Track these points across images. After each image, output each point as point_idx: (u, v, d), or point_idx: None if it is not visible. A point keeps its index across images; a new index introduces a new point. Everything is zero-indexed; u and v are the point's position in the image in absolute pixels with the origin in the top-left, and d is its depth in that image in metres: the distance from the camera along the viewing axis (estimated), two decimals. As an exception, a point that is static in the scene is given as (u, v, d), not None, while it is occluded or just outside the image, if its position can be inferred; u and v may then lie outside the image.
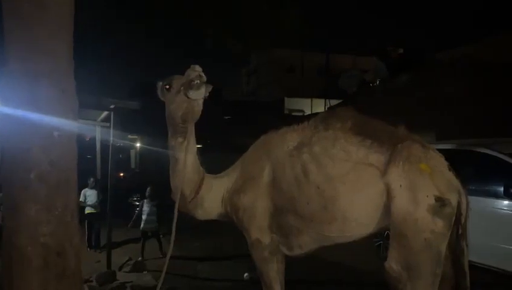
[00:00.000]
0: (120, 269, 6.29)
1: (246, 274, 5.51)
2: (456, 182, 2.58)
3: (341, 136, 2.75)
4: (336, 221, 2.66)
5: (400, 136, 2.71)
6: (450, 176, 2.58)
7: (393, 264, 2.47)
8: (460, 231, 2.58)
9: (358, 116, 2.89)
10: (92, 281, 5.63)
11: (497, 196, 5.23)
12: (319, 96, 21.61)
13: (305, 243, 2.88)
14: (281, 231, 2.92)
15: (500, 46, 11.02)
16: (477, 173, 5.64)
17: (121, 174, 18.45)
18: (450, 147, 5.93)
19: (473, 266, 5.43)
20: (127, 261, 6.57)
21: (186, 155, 2.84)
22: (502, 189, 5.14)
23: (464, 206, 2.58)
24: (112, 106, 6.18)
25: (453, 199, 2.47)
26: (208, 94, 2.79)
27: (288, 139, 2.93)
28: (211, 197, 3.09)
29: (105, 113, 7.06)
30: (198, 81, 2.67)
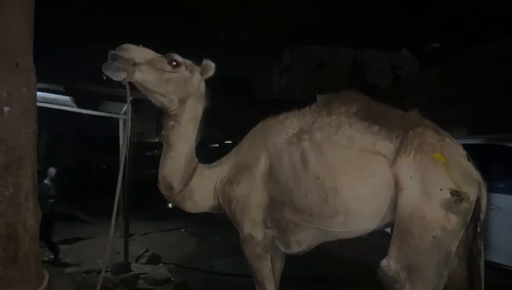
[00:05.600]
0: (137, 260, 6.32)
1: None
2: (476, 174, 2.29)
3: (345, 122, 2.51)
4: (337, 215, 2.43)
5: (411, 122, 2.44)
6: (469, 166, 2.29)
7: (391, 262, 2.24)
8: (478, 229, 2.29)
9: (365, 100, 2.63)
10: (107, 271, 5.70)
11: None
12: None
13: (303, 240, 2.66)
14: (277, 226, 2.71)
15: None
16: (507, 169, 5.26)
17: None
18: (479, 142, 5.57)
19: (501, 268, 5.17)
20: (144, 252, 6.60)
21: (178, 142, 2.64)
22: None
23: (484, 201, 2.29)
24: (130, 98, 6.20)
25: (471, 193, 2.20)
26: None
27: (287, 125, 2.70)
28: (202, 188, 2.85)
29: (126, 105, 7.13)
30: (110, 60, 2.32)
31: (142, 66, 2.38)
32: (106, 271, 5.71)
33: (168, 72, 2.48)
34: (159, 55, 2.53)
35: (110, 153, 10.24)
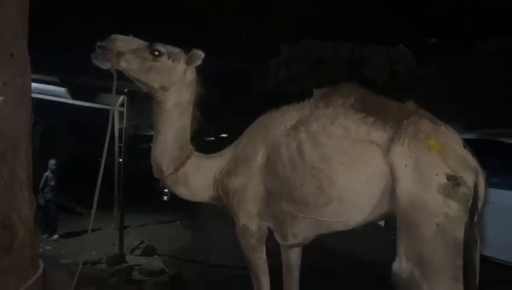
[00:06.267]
0: (131, 252, 6.34)
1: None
2: (472, 161, 2.24)
3: (341, 113, 2.52)
4: (331, 203, 2.43)
5: (407, 112, 2.43)
6: (465, 153, 2.26)
7: (403, 261, 2.14)
8: (475, 219, 2.22)
9: (363, 92, 2.63)
10: (102, 262, 5.73)
11: (521, 189, 4.91)
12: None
13: (299, 231, 2.67)
14: (274, 219, 2.73)
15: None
16: (501, 164, 5.31)
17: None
18: (473, 137, 5.61)
19: (492, 262, 5.23)
20: (139, 244, 6.62)
21: (163, 127, 2.74)
22: (527, 182, 4.82)
23: (481, 190, 2.23)
24: (126, 90, 6.20)
25: (468, 178, 2.13)
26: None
27: (286, 118, 2.72)
28: (199, 177, 2.91)
29: (122, 97, 7.11)
30: (97, 50, 2.51)
31: (126, 55, 2.52)
32: (101, 262, 5.75)
33: (150, 61, 2.59)
34: (146, 44, 2.63)
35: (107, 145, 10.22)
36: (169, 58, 2.64)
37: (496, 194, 5.16)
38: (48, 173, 7.71)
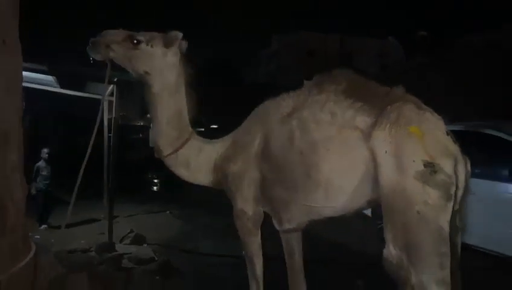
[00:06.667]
0: (121, 241, 6.38)
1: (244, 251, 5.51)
2: (453, 148, 2.22)
3: (332, 99, 2.55)
4: (319, 189, 2.48)
5: (394, 97, 2.42)
6: (447, 140, 2.23)
7: (391, 248, 2.15)
8: (455, 207, 2.20)
9: (355, 78, 2.65)
10: (91, 251, 5.76)
11: (502, 179, 5.05)
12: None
13: (293, 216, 2.75)
14: (270, 204, 2.82)
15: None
16: (483, 155, 5.44)
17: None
18: (457, 128, 5.72)
19: (473, 250, 5.38)
20: (128, 233, 6.66)
21: (156, 109, 2.93)
22: (507, 172, 4.95)
23: (461, 177, 2.20)
24: (115, 79, 6.20)
25: (446, 165, 2.11)
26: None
27: (283, 106, 2.78)
28: (200, 160, 3.05)
29: (111, 87, 7.10)
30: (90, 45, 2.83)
31: (113, 46, 2.83)
32: (90, 251, 5.79)
33: (132, 49, 2.85)
34: (131, 34, 2.88)
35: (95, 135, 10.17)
36: (147, 44, 2.85)
37: (478, 184, 5.32)
38: (40, 163, 7.71)
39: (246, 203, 2.87)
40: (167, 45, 2.86)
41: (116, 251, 5.69)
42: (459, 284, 2.26)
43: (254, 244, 2.93)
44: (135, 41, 2.83)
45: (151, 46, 2.85)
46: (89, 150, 2.55)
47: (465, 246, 5.45)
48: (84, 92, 7.67)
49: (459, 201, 2.22)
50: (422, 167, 2.09)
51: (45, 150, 7.78)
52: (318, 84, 2.72)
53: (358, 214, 2.93)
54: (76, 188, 2.43)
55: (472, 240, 5.38)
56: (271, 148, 2.73)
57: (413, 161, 2.11)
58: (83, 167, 2.50)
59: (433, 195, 2.08)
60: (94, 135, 2.54)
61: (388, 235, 2.19)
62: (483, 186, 5.25)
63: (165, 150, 2.99)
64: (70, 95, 7.59)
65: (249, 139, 2.88)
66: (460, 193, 2.21)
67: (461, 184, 2.21)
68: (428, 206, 2.08)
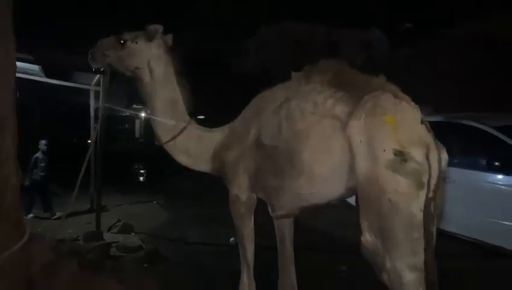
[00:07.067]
0: (109, 230, 6.42)
1: (231, 239, 5.60)
2: (426, 137, 2.24)
3: (317, 89, 2.64)
4: (301, 176, 2.58)
5: (374, 86, 2.46)
6: (420, 129, 2.25)
7: (367, 235, 2.22)
8: (429, 195, 2.20)
9: (341, 68, 2.72)
10: (79, 240, 5.81)
11: (481, 168, 5.24)
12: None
13: (283, 203, 2.85)
14: (263, 191, 2.94)
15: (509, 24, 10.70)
16: (463, 145, 5.62)
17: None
18: (438, 120, 5.88)
19: (452, 237, 5.58)
20: (116, 222, 6.70)
21: (150, 100, 3.13)
22: (485, 162, 5.13)
23: (434, 165, 2.20)
24: (102, 69, 6.15)
25: (416, 153, 2.13)
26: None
27: (276, 96, 2.88)
28: (199, 148, 3.21)
29: (98, 76, 7.07)
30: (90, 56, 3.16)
31: (107, 52, 3.11)
32: (77, 240, 5.83)
33: (120, 50, 3.10)
34: (118, 36, 3.12)
35: (81, 125, 10.11)
36: (132, 42, 3.08)
37: (458, 173, 5.50)
38: (38, 154, 7.72)
39: (241, 190, 3.00)
40: (149, 38, 3.07)
41: (104, 240, 5.74)
42: (435, 272, 2.26)
43: (247, 229, 3.07)
44: (122, 42, 3.07)
45: (136, 43, 3.08)
46: (91, 150, 2.62)
47: (444, 233, 5.68)
48: (70, 81, 7.61)
49: (433, 189, 2.21)
50: (392, 156, 2.12)
51: (43, 142, 7.79)
52: (306, 74, 2.81)
53: (342, 203, 3.05)
54: (79, 180, 2.49)
55: (452, 227, 5.58)
56: (264, 137, 2.84)
57: (384, 150, 2.15)
58: (86, 160, 2.57)
59: (403, 183, 2.11)
60: (98, 128, 2.63)
61: (364, 223, 2.25)
62: (462, 176, 5.43)
63: (163, 137, 3.17)
64: (55, 84, 7.51)
65: (244, 129, 3.00)
66: (433, 180, 2.21)
67: (434, 172, 2.20)
68: (399, 194, 2.11)
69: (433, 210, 2.23)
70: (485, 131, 5.22)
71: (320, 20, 22.89)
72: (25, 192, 7.24)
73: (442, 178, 2.30)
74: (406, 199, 2.11)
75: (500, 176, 5.02)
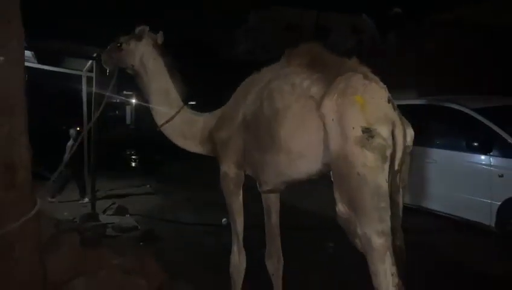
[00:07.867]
0: (104, 212, 6.60)
1: (224, 219, 5.78)
2: (392, 114, 2.40)
3: (296, 71, 2.81)
4: (281, 152, 2.77)
5: (347, 68, 2.61)
6: (387, 107, 2.42)
7: (340, 206, 2.42)
8: (395, 168, 2.40)
9: (318, 52, 2.87)
10: (75, 221, 5.97)
11: (460, 149, 5.44)
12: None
13: (268, 179, 3.04)
14: (251, 168, 3.15)
15: (500, 8, 10.87)
16: (444, 127, 5.85)
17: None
18: (421, 103, 6.12)
19: (433, 214, 5.86)
20: (111, 205, 6.88)
21: (147, 90, 3.47)
22: (465, 143, 5.34)
23: (399, 140, 2.38)
24: (95, 54, 6.26)
25: (382, 130, 2.30)
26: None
27: (262, 79, 3.06)
28: (194, 130, 3.48)
29: (90, 62, 7.13)
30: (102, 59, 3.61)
31: (112, 55, 3.54)
32: (74, 221, 6.00)
33: (119, 52, 3.49)
34: (117, 41, 3.53)
35: (72, 111, 10.16)
36: (126, 44, 3.48)
37: (439, 154, 5.76)
38: (69, 142, 8.20)
39: (230, 167, 3.22)
40: (139, 38, 3.44)
41: (100, 221, 5.92)
42: (402, 237, 2.47)
43: (236, 203, 3.28)
44: (119, 45, 3.47)
45: (128, 44, 3.46)
46: (84, 136, 2.81)
47: (427, 211, 5.96)
48: (63, 67, 7.67)
49: (399, 162, 2.42)
50: (360, 133, 2.30)
51: (72, 131, 8.36)
52: (287, 57, 2.98)
53: (324, 182, 3.26)
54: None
55: (433, 205, 5.87)
56: (249, 117, 3.03)
57: (353, 128, 2.33)
58: (75, 146, 2.76)
59: (370, 157, 2.29)
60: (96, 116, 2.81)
61: (337, 195, 2.45)
62: (443, 156, 5.69)
63: (159, 121, 3.47)
64: (48, 70, 7.57)
65: (233, 111, 3.22)
66: (399, 154, 2.41)
67: (399, 147, 2.40)
68: (367, 167, 2.29)
69: (398, 182, 2.44)
70: (465, 113, 5.43)
71: (310, 5, 22.91)
72: (64, 178, 7.88)
73: (408, 153, 2.49)
74: (373, 171, 2.30)
75: (479, 156, 5.23)
